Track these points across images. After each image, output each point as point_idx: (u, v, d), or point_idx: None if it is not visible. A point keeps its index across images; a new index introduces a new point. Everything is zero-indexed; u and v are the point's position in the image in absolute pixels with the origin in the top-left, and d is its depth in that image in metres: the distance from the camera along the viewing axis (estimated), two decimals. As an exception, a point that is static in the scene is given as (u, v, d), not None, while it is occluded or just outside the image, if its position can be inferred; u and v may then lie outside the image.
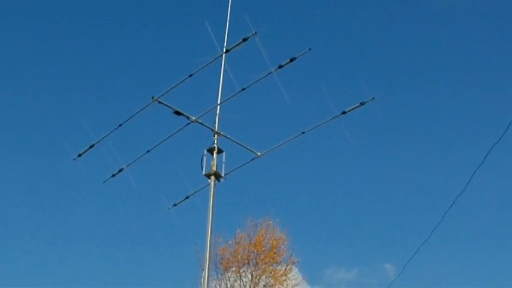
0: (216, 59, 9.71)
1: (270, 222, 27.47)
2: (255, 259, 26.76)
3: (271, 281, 26.48)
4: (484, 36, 44.53)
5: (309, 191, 40.14)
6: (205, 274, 9.59)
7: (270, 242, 27.10)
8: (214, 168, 9.41)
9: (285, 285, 26.49)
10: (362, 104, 9.18)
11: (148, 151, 9.79)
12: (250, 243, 27.09)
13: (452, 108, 44.44)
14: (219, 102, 9.80)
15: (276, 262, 26.86)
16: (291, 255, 27.09)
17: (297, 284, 26.82)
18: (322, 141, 34.20)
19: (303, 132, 9.63)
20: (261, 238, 27.09)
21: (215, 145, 9.55)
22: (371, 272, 37.17)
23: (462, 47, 45.19)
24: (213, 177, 9.38)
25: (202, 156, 9.49)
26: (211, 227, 9.08)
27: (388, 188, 41.42)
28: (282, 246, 27.15)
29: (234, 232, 27.31)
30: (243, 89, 9.54)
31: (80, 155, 10.07)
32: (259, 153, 9.82)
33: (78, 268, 37.18)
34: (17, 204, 42.13)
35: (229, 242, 27.04)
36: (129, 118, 9.63)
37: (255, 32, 9.09)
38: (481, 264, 38.05)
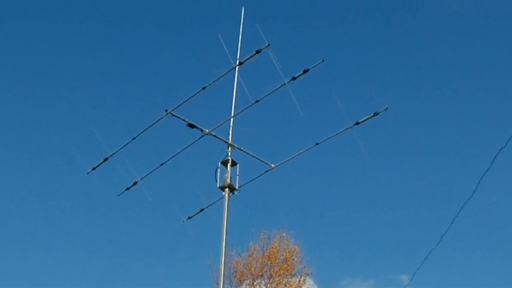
0: (229, 71, 9.74)
1: (284, 234, 27.41)
2: (269, 271, 26.66)
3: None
4: (492, 41, 44.40)
5: (322, 202, 40.09)
6: (220, 287, 9.54)
7: (284, 254, 27.01)
8: (228, 180, 9.40)
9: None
10: (375, 114, 9.16)
11: (162, 164, 9.81)
12: (264, 255, 26.99)
13: (460, 114, 44.36)
14: (232, 114, 9.80)
15: (290, 274, 26.77)
16: (305, 267, 27.02)
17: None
18: (336, 152, 34.13)
19: (316, 144, 9.62)
20: (275, 250, 26.99)
21: (229, 157, 9.55)
22: (386, 283, 36.93)
23: (471, 53, 45.10)
24: (227, 190, 9.37)
25: (216, 169, 9.50)
26: (226, 240, 9.06)
27: (400, 197, 41.29)
28: (295, 258, 27.07)
29: (247, 245, 27.26)
30: (257, 101, 9.55)
31: (94, 168, 10.10)
32: (273, 165, 9.80)
33: (93, 281, 37.18)
34: (31, 218, 42.29)
35: (243, 255, 27.00)
36: (143, 131, 9.66)
37: (268, 44, 9.11)
38: (490, 269, 37.83)
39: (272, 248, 26.99)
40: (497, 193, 37.39)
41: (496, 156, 10.83)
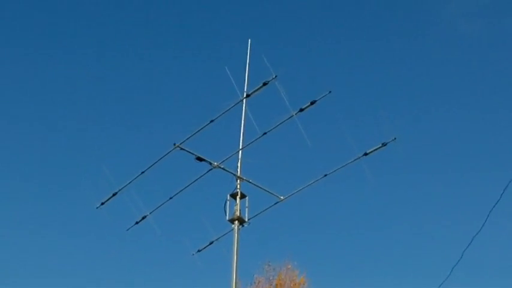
0: (237, 103, 9.77)
1: (290, 265, 27.32)
2: (276, 303, 26.52)
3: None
4: (503, 64, 44.48)
5: (331, 233, 39.80)
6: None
7: (291, 285, 26.88)
8: (237, 213, 9.40)
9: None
10: (384, 145, 9.18)
11: (171, 197, 9.80)
12: (270, 286, 26.88)
13: (471, 139, 44.30)
14: (240, 147, 9.83)
15: (297, 306, 26.61)
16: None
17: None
18: (344, 182, 33.98)
19: (325, 175, 9.62)
20: (281, 282, 26.88)
21: (238, 190, 9.56)
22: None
23: (482, 76, 45.21)
24: (236, 222, 9.36)
25: (226, 202, 9.50)
26: (236, 273, 9.02)
27: (408, 227, 41.02)
28: (302, 290, 26.93)
29: (251, 277, 27.12)
30: (265, 133, 9.57)
31: (103, 203, 10.09)
32: (282, 197, 9.80)
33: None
34: (40, 254, 42.06)
35: (249, 287, 26.86)
36: (152, 165, 9.66)
37: (275, 76, 9.15)
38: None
39: (278, 279, 26.88)
40: (508, 225, 37.18)
41: (506, 188, 10.82)
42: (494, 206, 11.12)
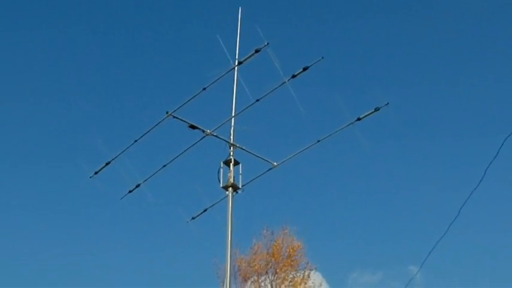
0: (229, 71, 9.74)
1: (287, 230, 27.49)
2: (273, 268, 26.74)
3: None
4: (496, 33, 44.32)
5: (326, 198, 40.19)
6: (226, 286, 9.57)
7: (288, 250, 27.08)
8: (231, 180, 9.43)
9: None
10: (377, 109, 9.18)
11: (164, 166, 9.80)
12: (268, 252, 27.07)
13: (463, 103, 44.36)
14: (233, 114, 9.82)
15: (295, 270, 26.85)
16: (308, 262, 27.09)
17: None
18: (338, 148, 34.11)
19: (318, 141, 9.63)
20: (278, 247, 27.07)
21: (231, 157, 9.57)
22: (396, 274, 37.05)
23: (473, 44, 45.07)
24: (230, 189, 9.39)
25: (219, 169, 9.52)
26: (231, 239, 9.08)
27: (404, 189, 41.31)
28: (299, 254, 27.15)
29: (250, 243, 27.32)
30: (257, 100, 9.55)
31: (96, 173, 10.10)
32: (275, 164, 9.82)
33: (98, 282, 37.25)
34: (35, 224, 42.31)
35: (246, 253, 27.07)
36: (144, 134, 9.65)
37: (267, 43, 9.10)
38: (499, 257, 37.90)
39: (276, 244, 27.07)
40: (504, 181, 37.36)
41: (502, 145, 10.83)
42: (490, 163, 11.14)
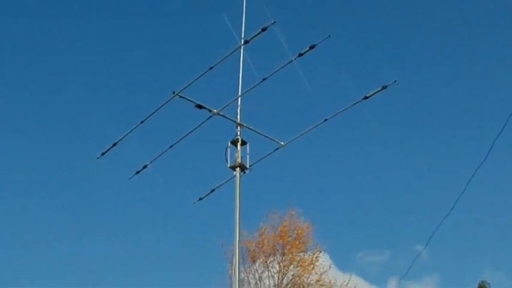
0: (235, 50, 9.66)
1: (294, 212, 27.50)
2: (281, 249, 26.78)
3: (299, 271, 26.49)
4: (503, 14, 43.98)
5: (333, 178, 40.20)
6: (235, 266, 9.56)
7: (295, 231, 27.11)
8: (239, 160, 9.37)
9: (313, 273, 26.51)
10: (384, 87, 9.09)
11: (171, 146, 9.77)
12: (275, 234, 27.10)
13: (469, 82, 44.22)
14: (240, 93, 9.75)
15: (302, 251, 26.88)
16: (317, 244, 27.12)
17: (325, 272, 26.83)
18: (345, 127, 34.03)
19: (325, 120, 9.57)
20: (286, 228, 27.09)
21: (238, 137, 9.51)
22: (403, 254, 37.11)
23: (481, 23, 44.80)
24: (238, 169, 9.34)
25: (226, 149, 9.46)
26: (239, 220, 9.04)
27: (411, 167, 41.19)
28: (306, 235, 27.18)
29: (258, 224, 27.35)
30: (264, 79, 9.49)
31: (103, 154, 10.05)
32: (282, 143, 9.77)
33: (105, 263, 37.47)
34: (43, 205, 42.52)
35: (254, 234, 27.09)
36: (151, 114, 9.58)
37: (274, 22, 9.03)
38: (506, 232, 37.98)
39: (283, 226, 27.09)
40: (510, 156, 37.25)
41: (507, 120, 10.73)
42: (496, 138, 11.03)
